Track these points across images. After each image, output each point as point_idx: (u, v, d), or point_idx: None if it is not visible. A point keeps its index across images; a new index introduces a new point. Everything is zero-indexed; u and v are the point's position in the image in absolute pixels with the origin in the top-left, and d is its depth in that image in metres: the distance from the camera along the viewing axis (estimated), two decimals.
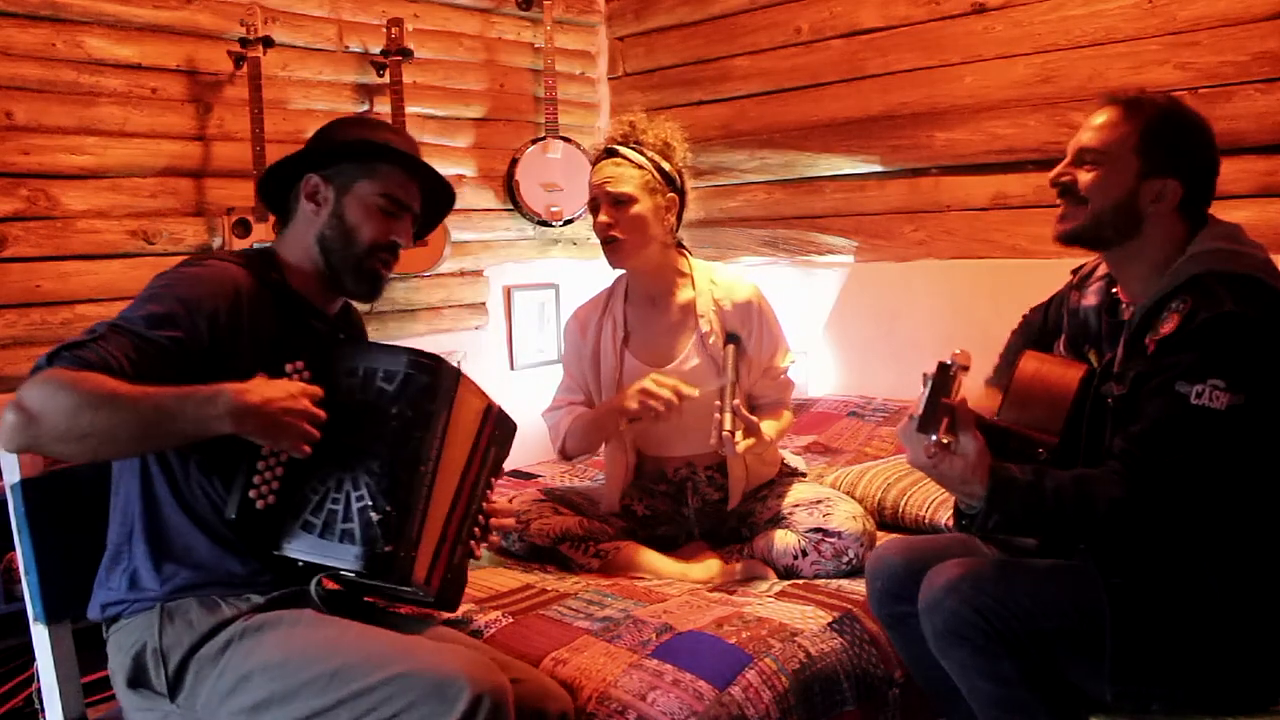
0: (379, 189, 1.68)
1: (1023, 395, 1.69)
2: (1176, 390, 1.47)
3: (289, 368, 1.54)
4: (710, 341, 2.28)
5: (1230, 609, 1.51)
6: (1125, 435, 1.52)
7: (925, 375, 1.43)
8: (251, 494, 1.50)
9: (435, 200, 1.81)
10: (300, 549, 1.52)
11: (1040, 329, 1.91)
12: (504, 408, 1.78)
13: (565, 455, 2.38)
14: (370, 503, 1.50)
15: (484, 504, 1.74)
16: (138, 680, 1.52)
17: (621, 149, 2.25)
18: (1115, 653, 1.51)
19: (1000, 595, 1.57)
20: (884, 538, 2.36)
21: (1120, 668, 1.52)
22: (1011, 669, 1.57)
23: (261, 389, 1.45)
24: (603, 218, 2.23)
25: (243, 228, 2.93)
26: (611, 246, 2.24)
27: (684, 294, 2.34)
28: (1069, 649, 1.57)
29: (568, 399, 2.41)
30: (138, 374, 1.42)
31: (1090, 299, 1.75)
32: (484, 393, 1.72)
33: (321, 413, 1.48)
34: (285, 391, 1.46)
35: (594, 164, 2.30)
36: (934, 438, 1.42)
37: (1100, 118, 1.64)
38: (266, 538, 1.53)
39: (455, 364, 1.62)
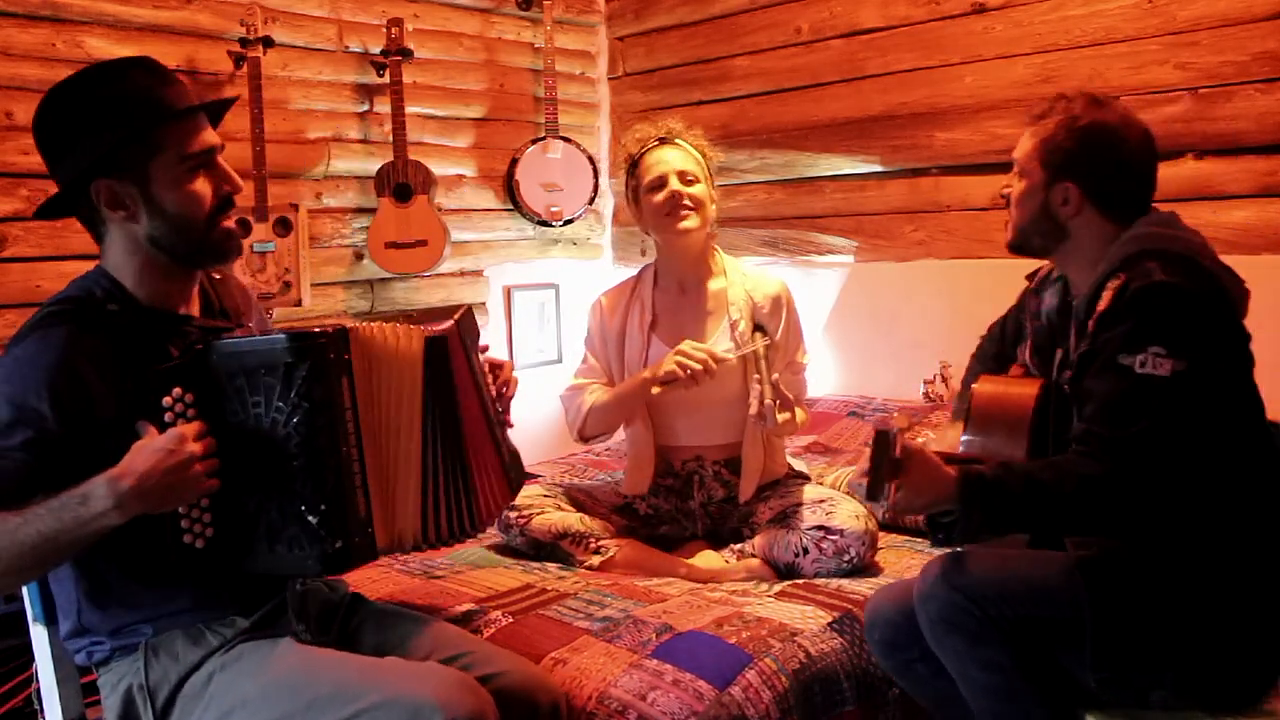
0: (177, 155, 1.47)
1: (982, 420, 1.73)
2: (1120, 363, 1.50)
3: (168, 400, 1.41)
4: (740, 329, 2.31)
5: (1210, 591, 1.53)
6: (1083, 418, 1.55)
7: (867, 445, 1.50)
8: (186, 539, 1.43)
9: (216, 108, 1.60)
10: (258, 566, 1.47)
11: (999, 341, 1.95)
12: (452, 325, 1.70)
13: (584, 436, 2.39)
14: (304, 505, 1.42)
15: (493, 394, 1.77)
16: (127, 718, 1.51)
17: (677, 139, 2.35)
18: (1095, 638, 1.53)
19: (993, 583, 1.58)
20: (885, 538, 2.37)
21: (1101, 653, 1.53)
22: (1005, 657, 1.58)
23: (133, 465, 1.32)
24: (675, 185, 2.29)
25: (242, 227, 2.93)
26: (682, 219, 2.29)
27: (715, 283, 2.39)
28: (1062, 639, 1.58)
29: (589, 380, 2.42)
30: (6, 496, 1.34)
31: (1049, 300, 1.79)
32: (412, 328, 1.61)
33: (205, 445, 1.38)
34: (159, 451, 1.33)
35: (641, 153, 2.36)
36: (884, 501, 1.50)
37: (1025, 131, 1.71)
38: (220, 570, 1.47)
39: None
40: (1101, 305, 1.56)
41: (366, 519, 1.49)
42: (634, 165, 2.38)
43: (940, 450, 1.70)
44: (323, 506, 1.43)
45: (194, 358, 1.46)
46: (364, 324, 1.55)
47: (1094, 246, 1.64)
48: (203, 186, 1.51)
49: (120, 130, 1.45)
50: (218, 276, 1.72)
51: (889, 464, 1.48)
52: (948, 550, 1.67)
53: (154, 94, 1.47)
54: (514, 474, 1.84)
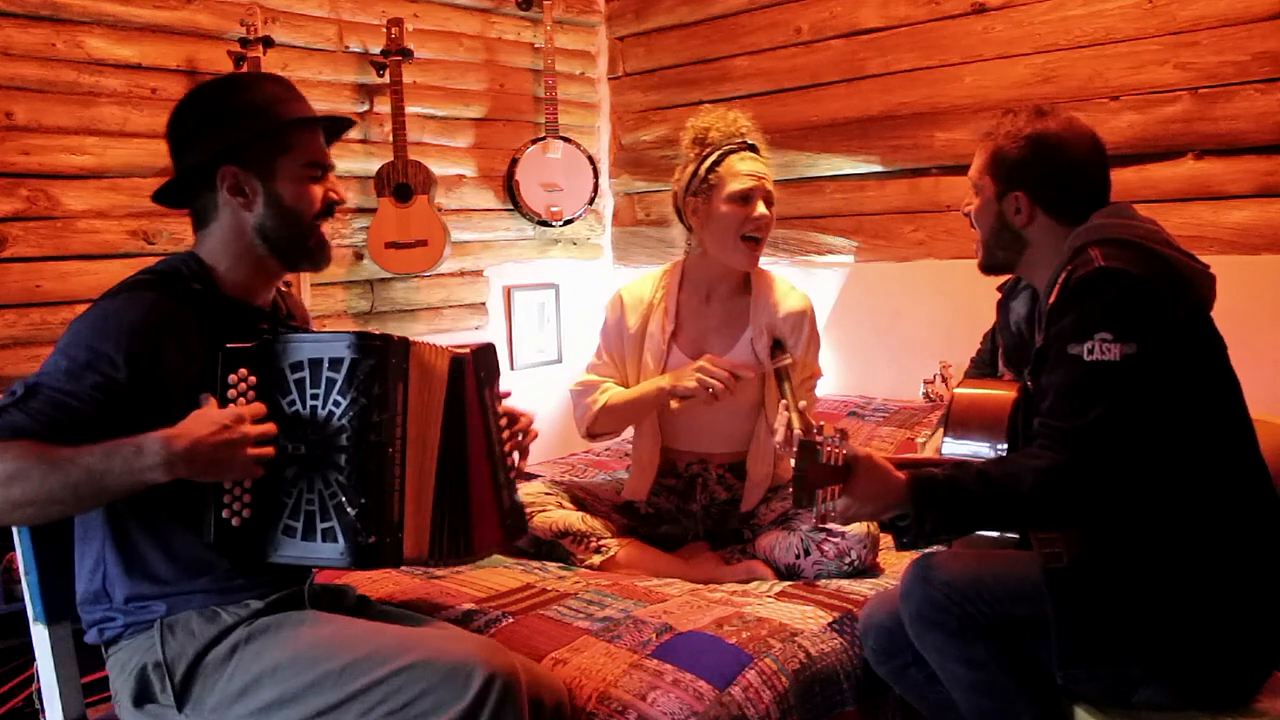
0: (302, 159, 1.61)
1: (961, 424, 1.75)
2: (1069, 353, 1.50)
3: (233, 378, 1.51)
4: (759, 344, 2.29)
5: (1176, 582, 1.52)
6: (1039, 412, 1.55)
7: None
8: (225, 514, 1.48)
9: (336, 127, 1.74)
10: (287, 554, 1.51)
11: (991, 352, 1.96)
12: (475, 349, 1.76)
13: (591, 434, 2.37)
14: (344, 498, 1.48)
15: (503, 435, 1.77)
16: (143, 697, 1.52)
17: (761, 150, 2.28)
18: (1059, 633, 1.53)
19: (970, 581, 1.59)
20: (885, 538, 2.37)
21: (1065, 648, 1.54)
22: (985, 652, 1.59)
23: (190, 429, 1.40)
24: (763, 210, 2.22)
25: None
26: (758, 245, 2.25)
27: (740, 295, 2.35)
28: (1043, 636, 1.58)
29: (602, 376, 2.38)
30: (63, 432, 1.39)
31: (1018, 309, 1.82)
32: (443, 349, 1.69)
33: (264, 428, 1.45)
34: (216, 424, 1.41)
35: (725, 153, 2.25)
36: (815, 509, 1.49)
37: (976, 148, 1.74)
38: (251, 551, 1.51)
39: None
40: (1050, 299, 1.57)
41: (399, 523, 1.53)
42: (712, 162, 2.24)
43: (912, 456, 1.72)
44: (363, 500, 1.48)
45: (263, 344, 1.54)
46: (417, 340, 1.62)
47: (1052, 251, 1.66)
48: (317, 190, 1.63)
49: (257, 126, 1.57)
50: (285, 289, 1.81)
51: (816, 471, 1.47)
52: (930, 550, 1.68)
53: (287, 103, 1.61)
54: (511, 521, 1.83)
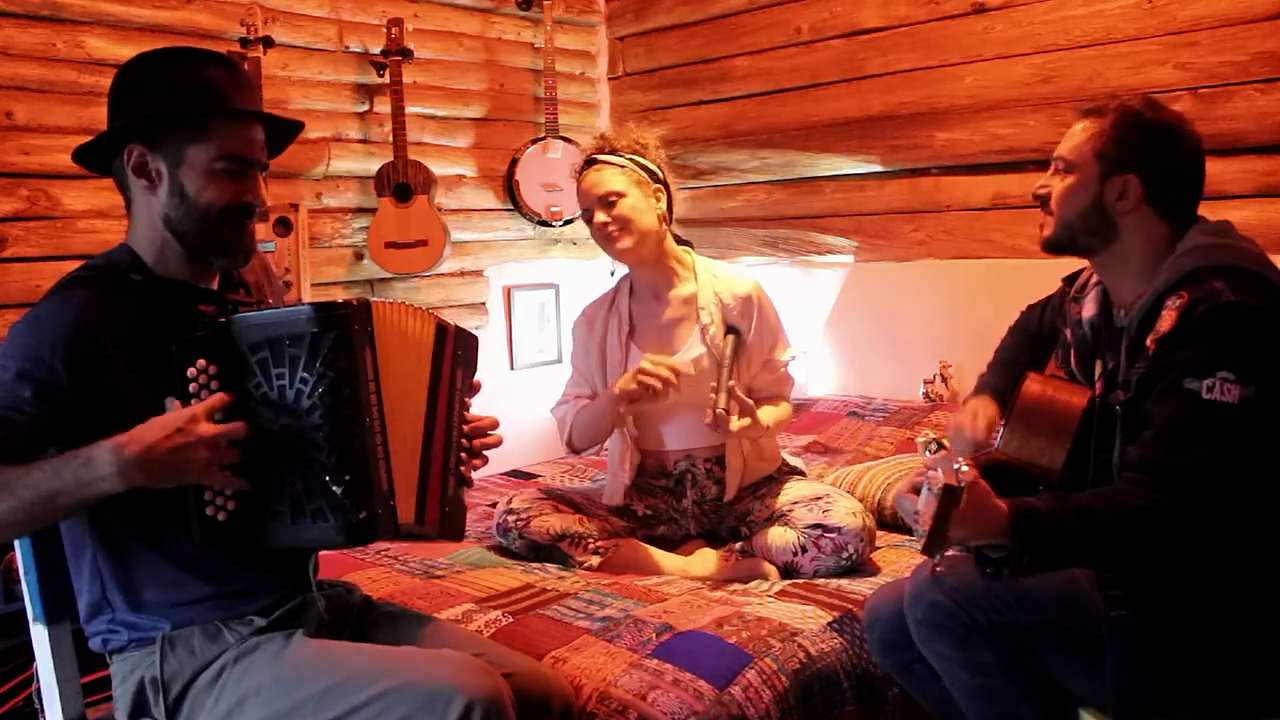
0: (215, 152, 1.49)
1: (1026, 420, 1.67)
2: (1186, 388, 1.42)
3: (191, 371, 1.43)
4: (711, 333, 2.31)
5: (1239, 626, 1.47)
6: (1140, 443, 1.48)
7: (929, 478, 1.37)
8: (209, 511, 1.44)
9: (281, 127, 1.63)
10: (279, 540, 1.47)
11: (1036, 334, 1.90)
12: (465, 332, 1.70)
13: (573, 448, 2.41)
14: (328, 476, 1.42)
15: (464, 426, 1.66)
16: (139, 711, 1.51)
17: (599, 157, 2.33)
18: (1119, 679, 1.48)
19: (981, 587, 1.55)
20: (884, 537, 2.37)
21: (1126, 701, 1.49)
22: (990, 658, 1.57)
23: (142, 434, 1.32)
24: (599, 218, 2.29)
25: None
26: (614, 244, 2.30)
27: (686, 287, 2.39)
28: (1051, 644, 1.57)
29: (575, 393, 2.45)
30: (7, 450, 1.34)
31: (1089, 309, 1.71)
32: (426, 312, 1.62)
33: (223, 428, 1.37)
34: (169, 428, 1.33)
35: (578, 180, 2.35)
36: (939, 556, 1.39)
37: (1074, 128, 1.64)
38: (242, 543, 1.47)
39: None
40: (1164, 326, 1.47)
41: (390, 491, 1.49)
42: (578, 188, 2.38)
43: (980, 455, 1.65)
44: (348, 477, 1.43)
45: (218, 330, 1.46)
46: (380, 300, 1.55)
47: (1144, 250, 1.57)
48: (227, 186, 1.51)
49: (174, 107, 1.47)
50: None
51: (950, 518, 1.36)
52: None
53: (223, 88, 1.50)
54: (450, 510, 1.65)
